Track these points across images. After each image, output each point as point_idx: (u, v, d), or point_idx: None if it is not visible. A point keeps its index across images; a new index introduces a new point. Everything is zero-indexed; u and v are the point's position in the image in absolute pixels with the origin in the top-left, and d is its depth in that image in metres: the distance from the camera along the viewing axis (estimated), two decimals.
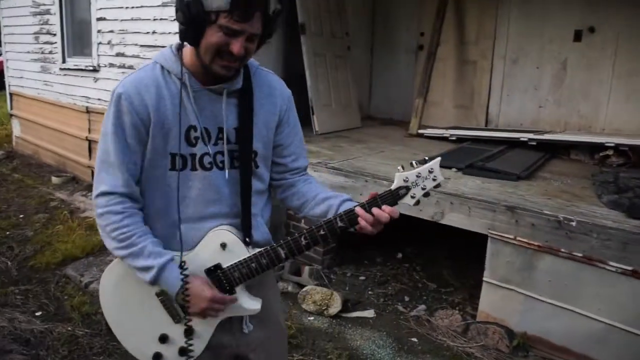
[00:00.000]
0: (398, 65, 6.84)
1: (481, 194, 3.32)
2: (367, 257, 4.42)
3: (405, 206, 1.46)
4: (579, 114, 5.38)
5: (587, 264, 2.84)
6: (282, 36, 5.53)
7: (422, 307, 3.66)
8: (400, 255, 4.48)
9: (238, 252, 1.51)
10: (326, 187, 1.68)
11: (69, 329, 3.27)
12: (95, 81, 6.16)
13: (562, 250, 2.92)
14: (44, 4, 6.97)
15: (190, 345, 1.52)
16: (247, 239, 1.55)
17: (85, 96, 6.38)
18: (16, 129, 8.22)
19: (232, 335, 1.62)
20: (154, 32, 5.20)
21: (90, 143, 6.30)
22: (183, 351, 1.53)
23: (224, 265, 1.50)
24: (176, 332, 1.53)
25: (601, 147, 4.45)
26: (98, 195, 1.47)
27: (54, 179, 6.46)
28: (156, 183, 1.50)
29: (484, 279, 3.24)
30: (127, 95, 1.43)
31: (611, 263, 2.76)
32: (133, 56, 5.53)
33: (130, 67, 5.55)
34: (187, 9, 1.32)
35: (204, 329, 1.55)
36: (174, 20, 5.18)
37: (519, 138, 4.79)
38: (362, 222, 1.44)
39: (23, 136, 8.02)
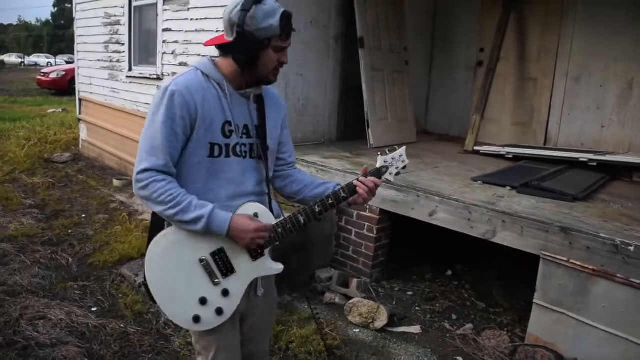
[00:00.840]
0: (456, 81, 6.78)
1: (535, 214, 3.24)
2: (416, 272, 4.38)
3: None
4: None
5: None
6: (341, 50, 5.59)
7: (470, 326, 3.59)
8: (449, 272, 4.41)
9: (267, 220, 1.82)
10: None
11: (122, 325, 3.39)
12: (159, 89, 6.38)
13: (619, 275, 2.81)
14: (115, 15, 7.32)
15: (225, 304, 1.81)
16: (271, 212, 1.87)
17: (148, 103, 6.59)
18: (83, 132, 8.62)
19: (247, 299, 1.91)
20: None
21: None
22: (219, 311, 1.80)
23: None
24: (214, 294, 1.80)
25: None
26: (141, 172, 1.71)
27: (115, 182, 6.73)
28: (195, 167, 1.78)
29: (535, 301, 3.15)
30: (180, 93, 1.71)
31: None
32: None
33: None
34: (246, 41, 1.69)
35: (237, 291, 1.83)
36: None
37: (578, 158, 4.65)
38: (360, 191, 1.85)
39: (89, 140, 8.40)
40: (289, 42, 1.76)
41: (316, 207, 1.82)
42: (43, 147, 8.55)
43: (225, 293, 1.80)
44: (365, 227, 4.10)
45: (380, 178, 1.90)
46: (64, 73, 18.41)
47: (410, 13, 6.21)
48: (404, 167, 1.94)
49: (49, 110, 13.42)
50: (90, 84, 8.25)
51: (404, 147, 1.93)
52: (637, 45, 5.16)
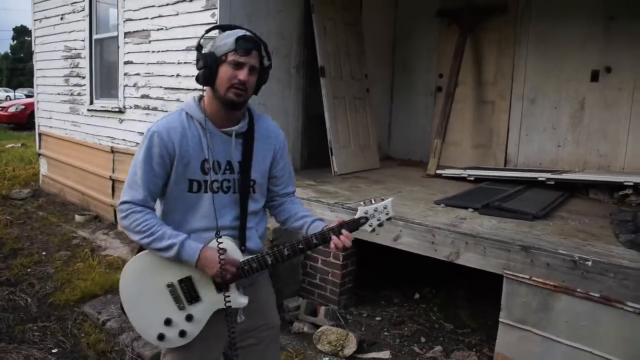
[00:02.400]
0: (417, 107, 6.91)
1: (496, 234, 3.30)
2: (384, 297, 4.39)
3: (366, 232, 1.94)
4: (598, 153, 5.36)
5: (605, 304, 2.79)
6: (303, 78, 5.65)
7: (439, 348, 3.60)
8: (417, 295, 4.43)
9: (235, 257, 1.88)
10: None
11: None
12: (121, 122, 6.34)
13: (579, 290, 2.87)
14: (75, 49, 7.26)
15: (191, 326, 1.91)
16: (242, 247, 1.94)
17: (110, 136, 6.56)
18: (43, 167, 8.45)
19: (232, 325, 1.94)
20: (177, 75, 5.37)
21: (114, 182, 6.44)
22: (182, 333, 1.91)
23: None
24: (179, 317, 1.91)
25: (620, 186, 4.40)
26: (122, 203, 1.87)
27: (78, 217, 6.59)
28: (175, 201, 1.92)
29: (500, 319, 3.19)
30: (159, 133, 1.86)
31: (629, 303, 2.70)
32: (157, 98, 5.69)
33: (155, 109, 5.71)
34: (205, 60, 1.84)
35: (202, 317, 1.92)
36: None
37: (536, 178, 4.77)
38: (331, 245, 1.87)
39: (49, 175, 8.22)
40: (247, 59, 1.83)
41: (285, 250, 1.87)
42: (1, 184, 8.32)
43: (189, 318, 1.91)
44: (332, 254, 4.10)
45: (357, 229, 1.90)
46: (23, 107, 17.99)
47: (370, 41, 6.34)
48: (389, 219, 1.92)
49: (8, 146, 13.09)
50: (51, 118, 8.11)
51: (390, 200, 1.92)
52: (586, 67, 5.38)
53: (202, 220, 1.91)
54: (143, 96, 5.91)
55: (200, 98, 1.96)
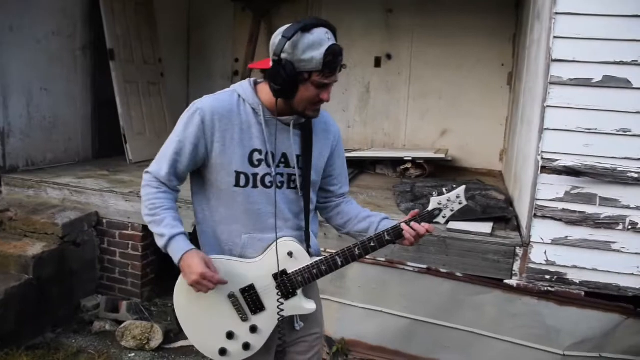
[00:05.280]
0: (215, 91, 6.80)
1: None
2: None
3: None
4: (383, 132, 5.88)
5: (390, 267, 3.09)
6: (90, 61, 5.26)
7: None
8: None
9: (302, 260, 1.76)
10: (364, 207, 2.01)
11: None
12: None
13: (367, 257, 3.12)
14: None
15: (254, 340, 1.78)
16: (308, 250, 1.81)
17: None
18: None
19: (283, 332, 1.86)
20: None
21: None
22: (246, 346, 1.78)
23: (289, 271, 1.75)
24: (242, 330, 1.77)
25: (401, 161, 4.89)
26: (146, 172, 1.75)
27: None
28: (221, 195, 1.73)
29: None
30: (202, 112, 1.68)
31: (409, 264, 3.03)
32: None
33: None
34: (284, 71, 1.58)
35: (266, 327, 1.79)
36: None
37: None
38: (406, 235, 1.74)
39: None
40: (333, 79, 1.64)
41: (356, 249, 1.75)
42: None
43: (254, 329, 1.78)
44: (130, 245, 3.92)
45: (431, 222, 1.78)
46: None
47: (164, 24, 6.10)
48: (461, 209, 1.81)
49: None
50: None
51: (463, 187, 1.78)
52: (370, 54, 5.86)
53: (256, 220, 1.74)
54: None
55: (256, 82, 1.76)
